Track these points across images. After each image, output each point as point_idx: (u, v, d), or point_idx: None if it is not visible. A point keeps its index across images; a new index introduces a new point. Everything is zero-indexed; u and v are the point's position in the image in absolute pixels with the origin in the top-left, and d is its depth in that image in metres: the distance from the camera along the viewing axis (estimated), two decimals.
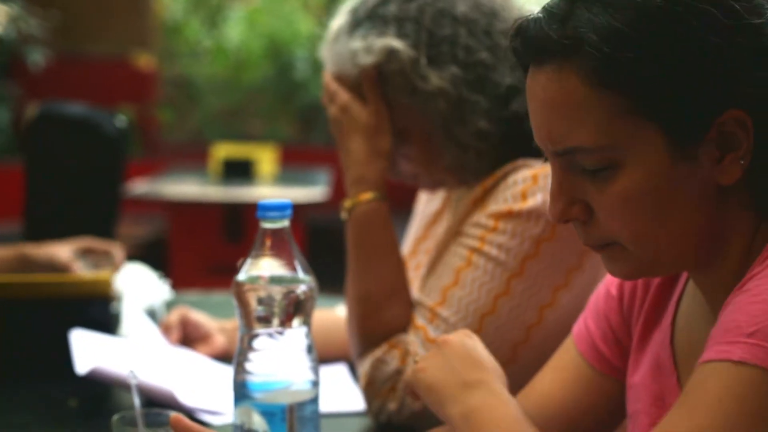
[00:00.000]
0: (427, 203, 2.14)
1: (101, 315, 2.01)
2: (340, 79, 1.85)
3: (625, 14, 1.13)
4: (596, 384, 1.47)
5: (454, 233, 1.83)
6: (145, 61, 8.61)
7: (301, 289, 1.42)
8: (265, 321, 1.41)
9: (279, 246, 1.44)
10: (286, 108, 9.62)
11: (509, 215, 1.73)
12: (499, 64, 1.80)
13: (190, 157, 7.81)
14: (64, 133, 2.66)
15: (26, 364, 2.00)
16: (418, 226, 2.12)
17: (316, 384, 1.45)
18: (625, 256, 1.22)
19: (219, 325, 2.17)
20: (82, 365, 1.84)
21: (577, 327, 1.51)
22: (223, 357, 2.09)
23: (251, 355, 1.42)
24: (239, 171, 6.41)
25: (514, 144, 1.78)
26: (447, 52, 1.79)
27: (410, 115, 1.83)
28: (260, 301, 1.40)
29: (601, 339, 1.46)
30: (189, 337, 2.13)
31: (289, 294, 1.41)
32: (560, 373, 1.50)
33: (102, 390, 1.96)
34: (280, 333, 1.42)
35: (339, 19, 1.86)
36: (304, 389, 1.42)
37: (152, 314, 2.31)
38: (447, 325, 1.73)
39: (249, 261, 1.44)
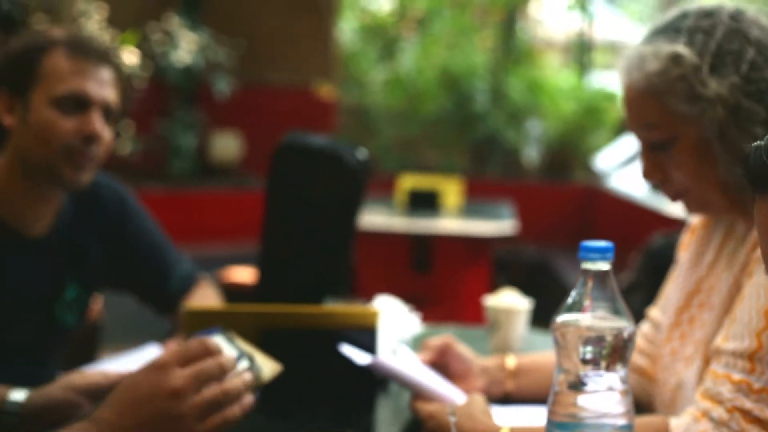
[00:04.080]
0: (694, 255, 2.09)
1: (368, 345, 2.01)
2: (629, 89, 1.88)
3: None
4: None
5: (747, 274, 1.79)
6: (326, 90, 8.72)
7: (626, 331, 1.39)
8: (592, 363, 1.39)
9: (600, 287, 1.42)
10: (460, 139, 9.65)
11: None
12: None
13: (369, 186, 7.86)
14: (307, 162, 2.68)
15: (301, 392, 2.01)
16: (689, 279, 2.07)
17: (630, 428, 1.42)
18: None
19: (481, 362, 2.14)
20: (362, 359, 1.90)
21: None
22: None
23: (571, 397, 1.40)
24: (425, 202, 6.44)
25: None
26: (730, 63, 1.82)
27: (688, 124, 1.85)
28: (588, 343, 1.38)
29: None
30: (449, 368, 2.11)
31: (616, 336, 1.38)
32: None
33: (375, 419, 1.97)
34: (600, 375, 1.39)
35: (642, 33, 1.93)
36: None
37: (403, 347, 2.31)
38: None
39: (570, 302, 1.42)
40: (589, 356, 1.38)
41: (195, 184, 8.33)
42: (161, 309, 2.70)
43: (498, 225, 5.97)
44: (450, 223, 6.07)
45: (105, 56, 2.38)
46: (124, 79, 2.44)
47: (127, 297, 2.71)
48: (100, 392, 1.82)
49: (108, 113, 2.36)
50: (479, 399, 1.78)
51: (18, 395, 1.85)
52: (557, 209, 8.77)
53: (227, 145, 8.76)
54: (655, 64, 1.84)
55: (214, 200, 8.14)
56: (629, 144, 9.85)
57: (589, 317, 1.40)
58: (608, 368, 1.39)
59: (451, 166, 9.23)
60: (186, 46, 8.08)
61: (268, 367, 1.70)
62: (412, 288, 5.83)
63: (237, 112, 8.58)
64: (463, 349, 2.13)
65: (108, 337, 3.11)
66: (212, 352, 1.52)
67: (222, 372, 1.50)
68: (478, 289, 6.06)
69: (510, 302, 2.50)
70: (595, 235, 8.94)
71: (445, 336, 2.15)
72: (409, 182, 6.61)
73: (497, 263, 6.80)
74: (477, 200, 7.28)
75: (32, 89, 2.30)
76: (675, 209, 6.61)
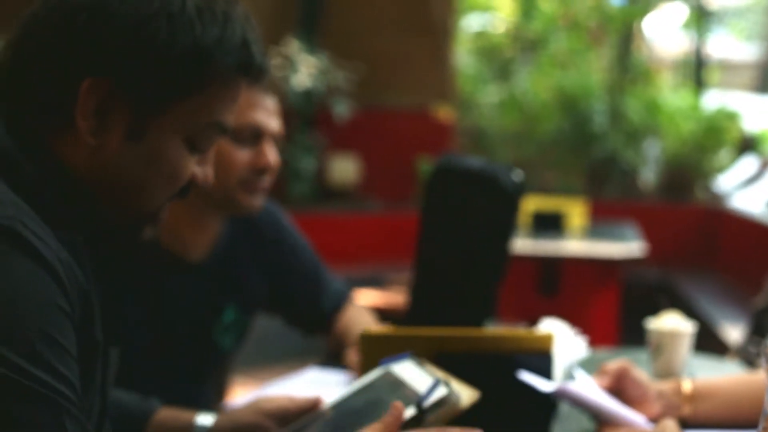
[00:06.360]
0: None
1: (543, 370, 1.98)
2: None
3: None
4: None
5: None
6: (444, 112, 8.71)
7: None
8: None
9: None
10: (577, 160, 9.56)
11: None
12: None
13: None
14: (462, 184, 2.66)
15: (476, 417, 1.98)
16: None
17: None
18: None
19: (657, 387, 2.10)
20: (545, 386, 1.88)
21: None
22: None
23: None
24: (549, 224, 6.36)
25: None
26: None
27: None
28: None
29: None
30: (626, 393, 2.07)
31: None
32: None
33: None
34: None
35: None
36: None
37: (571, 371, 2.28)
38: None
39: None
40: None
41: (314, 206, 8.37)
42: (312, 328, 2.70)
43: (626, 247, 5.88)
44: (576, 245, 5.99)
45: (271, 86, 2.40)
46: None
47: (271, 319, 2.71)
48: (287, 416, 1.83)
49: (276, 142, 2.38)
50: (672, 424, 1.74)
51: (205, 419, 1.86)
52: (679, 230, 8.63)
53: (346, 168, 8.80)
54: None
55: (332, 223, 8.17)
56: (750, 164, 9.68)
57: None
58: None
59: (568, 187, 9.15)
60: (305, 70, 8.13)
61: (466, 394, 1.67)
62: (540, 311, 5.76)
63: (355, 135, 8.63)
64: (640, 374, 2.08)
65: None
66: None
67: None
68: (607, 313, 5.98)
69: (674, 325, 2.46)
70: (720, 257, 8.81)
71: (622, 360, 2.11)
72: (532, 204, 6.54)
73: (629, 287, 6.69)
74: (599, 222, 7.18)
75: None
76: None
